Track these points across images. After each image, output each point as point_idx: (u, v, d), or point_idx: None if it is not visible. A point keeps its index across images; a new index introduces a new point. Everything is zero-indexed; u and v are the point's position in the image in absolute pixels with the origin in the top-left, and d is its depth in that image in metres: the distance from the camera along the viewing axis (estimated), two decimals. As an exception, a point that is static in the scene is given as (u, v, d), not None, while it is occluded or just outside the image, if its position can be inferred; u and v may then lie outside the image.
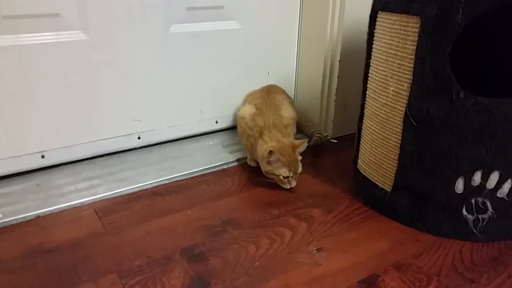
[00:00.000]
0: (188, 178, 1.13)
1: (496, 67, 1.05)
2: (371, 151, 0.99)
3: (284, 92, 1.26)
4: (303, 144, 1.02)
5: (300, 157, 1.04)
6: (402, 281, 0.83)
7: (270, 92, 1.20)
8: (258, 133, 1.08)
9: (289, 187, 1.04)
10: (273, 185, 1.10)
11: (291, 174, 1.02)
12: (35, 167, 1.11)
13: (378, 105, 0.95)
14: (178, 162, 1.19)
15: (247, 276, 0.82)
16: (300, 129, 1.29)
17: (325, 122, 1.37)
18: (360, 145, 1.04)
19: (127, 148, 1.23)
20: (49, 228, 0.93)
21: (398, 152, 0.93)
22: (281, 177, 1.02)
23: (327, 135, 1.36)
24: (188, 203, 1.03)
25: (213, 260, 0.86)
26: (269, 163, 1.02)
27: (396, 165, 0.94)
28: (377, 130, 0.97)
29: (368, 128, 1.00)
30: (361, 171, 1.04)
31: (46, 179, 1.09)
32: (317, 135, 1.29)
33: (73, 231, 0.92)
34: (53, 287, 0.79)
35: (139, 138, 1.24)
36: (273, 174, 1.02)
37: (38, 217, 0.97)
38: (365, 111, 1.00)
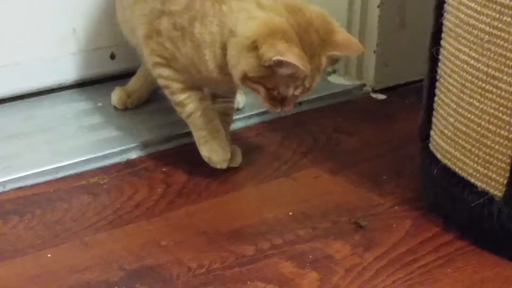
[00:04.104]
0: (49, 182, 0.93)
1: None
2: (460, 114, 0.83)
3: None
4: (347, 40, 0.84)
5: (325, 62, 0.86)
6: None
7: None
8: None
9: (278, 110, 0.86)
10: (242, 190, 0.95)
11: (298, 92, 0.84)
12: None
13: (474, 6, 0.77)
14: (24, 146, 0.99)
15: None
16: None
17: (358, 56, 1.17)
18: (436, 102, 0.88)
19: None
20: None
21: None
22: (274, 93, 0.84)
23: (364, 84, 1.19)
24: (48, 235, 0.84)
25: None
26: (270, 72, 0.81)
27: (517, 140, 0.85)
28: (471, 62, 0.79)
29: (454, 63, 0.82)
30: (439, 156, 0.87)
31: None
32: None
33: None
34: None
35: None
36: (261, 85, 0.83)
37: None
38: (444, 26, 0.83)
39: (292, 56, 0.81)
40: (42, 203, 0.90)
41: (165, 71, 0.92)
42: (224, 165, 0.94)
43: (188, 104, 0.91)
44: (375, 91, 1.20)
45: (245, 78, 0.86)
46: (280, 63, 0.81)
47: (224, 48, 0.87)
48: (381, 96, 1.19)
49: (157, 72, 0.93)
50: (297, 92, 0.87)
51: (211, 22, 0.86)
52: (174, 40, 0.90)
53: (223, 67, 0.88)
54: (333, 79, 1.20)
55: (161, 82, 0.94)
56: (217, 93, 0.95)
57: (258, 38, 0.82)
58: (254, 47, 0.82)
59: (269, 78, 0.85)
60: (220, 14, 0.85)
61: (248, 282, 0.76)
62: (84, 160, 0.98)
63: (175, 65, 0.91)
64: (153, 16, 0.91)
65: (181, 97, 0.91)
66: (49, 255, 0.80)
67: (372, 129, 1.10)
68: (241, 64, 0.85)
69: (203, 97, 0.93)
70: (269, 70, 0.84)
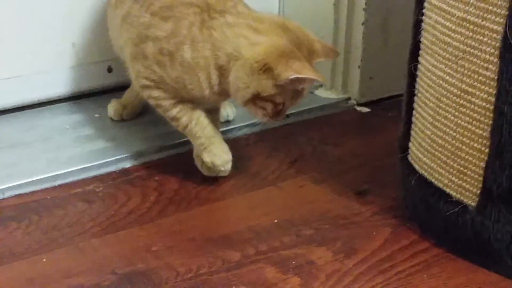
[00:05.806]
0: (47, 190, 0.95)
1: None
2: (437, 127, 0.85)
3: None
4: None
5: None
6: None
7: None
8: (198, 15, 0.87)
9: (273, 120, 0.90)
10: (230, 198, 0.96)
11: (296, 101, 0.90)
12: None
13: (449, 25, 0.77)
14: (24, 155, 1.01)
15: None
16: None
17: (344, 70, 1.20)
18: (414, 116, 0.90)
19: None
20: None
21: (491, 122, 0.76)
22: (279, 107, 0.88)
23: (349, 98, 1.20)
24: (45, 240, 0.85)
25: None
26: (281, 89, 0.85)
27: (488, 151, 0.78)
28: (446, 78, 0.80)
29: (430, 79, 0.84)
30: (417, 167, 0.90)
31: None
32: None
33: None
34: None
35: None
36: (270, 102, 0.87)
37: None
38: (422, 44, 0.85)
39: (308, 71, 0.85)
40: (40, 209, 0.91)
41: (154, 93, 0.93)
42: (227, 166, 0.93)
43: (182, 117, 0.92)
44: (359, 104, 1.22)
45: (255, 98, 0.88)
46: (295, 80, 0.85)
47: (220, 69, 0.89)
48: (365, 109, 1.22)
49: (146, 94, 0.94)
50: (294, 102, 0.91)
51: (203, 47, 0.88)
52: (162, 64, 0.90)
53: (215, 86, 0.89)
54: (320, 92, 1.22)
55: (152, 102, 0.94)
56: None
57: (270, 60, 0.85)
58: (266, 69, 0.86)
59: (279, 95, 0.88)
60: (211, 39, 0.88)
61: (233, 287, 0.78)
62: (80, 169, 0.99)
63: (164, 86, 0.91)
64: (139, 40, 0.92)
65: (174, 111, 0.92)
66: (44, 260, 0.82)
67: (356, 141, 1.12)
68: (252, 86, 0.87)
69: (194, 107, 0.93)
70: (280, 88, 0.87)
